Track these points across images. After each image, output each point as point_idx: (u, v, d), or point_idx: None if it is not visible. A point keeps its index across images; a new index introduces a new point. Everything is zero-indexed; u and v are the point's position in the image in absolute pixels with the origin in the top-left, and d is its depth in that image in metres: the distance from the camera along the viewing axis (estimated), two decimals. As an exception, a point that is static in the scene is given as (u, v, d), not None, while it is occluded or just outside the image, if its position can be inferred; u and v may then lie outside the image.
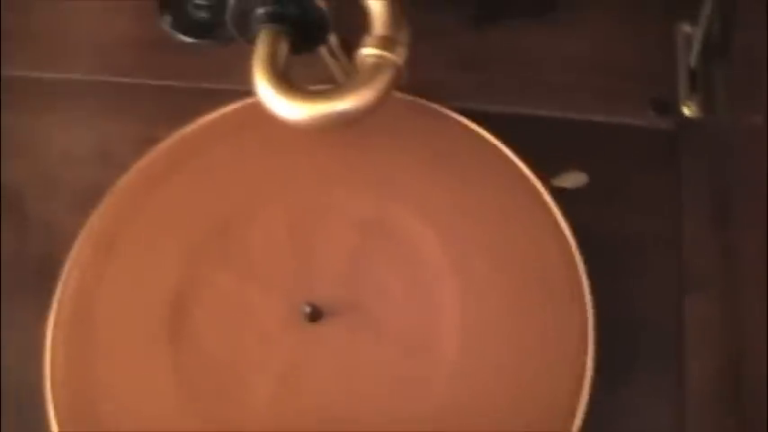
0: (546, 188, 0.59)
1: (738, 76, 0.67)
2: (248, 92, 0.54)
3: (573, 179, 0.61)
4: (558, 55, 0.68)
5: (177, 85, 0.68)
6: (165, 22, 0.71)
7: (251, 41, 0.56)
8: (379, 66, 0.53)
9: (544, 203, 0.58)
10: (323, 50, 0.64)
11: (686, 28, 0.69)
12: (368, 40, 0.54)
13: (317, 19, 0.56)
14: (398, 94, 0.60)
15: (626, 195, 0.63)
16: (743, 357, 0.58)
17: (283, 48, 0.55)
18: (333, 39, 0.59)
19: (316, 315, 0.55)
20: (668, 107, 0.66)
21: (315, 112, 0.53)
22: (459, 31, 0.69)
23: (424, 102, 0.62)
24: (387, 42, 0.53)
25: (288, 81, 0.53)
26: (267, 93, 0.53)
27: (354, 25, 0.56)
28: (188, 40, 0.71)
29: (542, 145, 0.62)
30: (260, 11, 0.56)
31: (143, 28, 0.71)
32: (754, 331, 0.55)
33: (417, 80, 0.58)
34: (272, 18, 0.55)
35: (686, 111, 0.66)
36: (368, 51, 0.53)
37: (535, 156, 0.60)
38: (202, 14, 0.71)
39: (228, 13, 0.57)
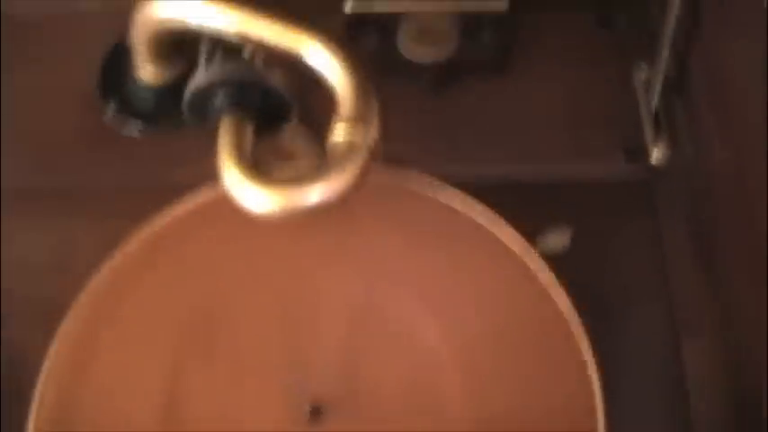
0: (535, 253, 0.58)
1: (700, 112, 0.67)
2: (209, 178, 0.52)
3: (557, 238, 0.60)
4: (522, 111, 0.67)
5: (131, 182, 0.66)
6: (110, 111, 0.69)
7: (210, 129, 0.54)
8: (350, 151, 0.50)
9: (533, 276, 0.57)
10: (286, 129, 0.62)
11: (644, 70, 0.68)
12: (336, 123, 0.51)
13: (279, 100, 0.54)
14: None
15: (608, 250, 0.62)
16: (748, 395, 0.57)
17: (248, 134, 0.53)
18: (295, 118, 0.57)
19: (316, 413, 0.53)
20: (637, 154, 0.65)
21: (287, 204, 0.50)
22: (417, 97, 0.68)
23: (400, 172, 0.61)
24: (356, 125, 0.51)
25: (257, 171, 0.51)
26: (235, 185, 0.50)
27: (317, 98, 0.55)
28: (136, 130, 0.68)
29: (518, 207, 0.60)
30: (220, 99, 0.53)
31: (87, 118, 0.66)
32: (756, 369, 0.54)
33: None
34: (234, 105, 0.53)
35: (655, 155, 0.65)
36: (337, 137, 0.51)
37: (512, 219, 0.58)
38: (150, 102, 0.67)
39: (186, 102, 0.55)
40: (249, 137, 0.53)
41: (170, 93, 0.69)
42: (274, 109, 0.54)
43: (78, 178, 0.66)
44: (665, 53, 0.64)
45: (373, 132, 0.51)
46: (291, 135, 0.65)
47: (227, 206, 0.52)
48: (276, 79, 0.54)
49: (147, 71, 0.67)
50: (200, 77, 0.54)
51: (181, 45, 0.69)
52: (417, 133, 0.65)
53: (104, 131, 0.66)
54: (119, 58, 0.69)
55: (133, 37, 0.66)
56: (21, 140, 0.67)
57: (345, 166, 0.50)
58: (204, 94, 0.53)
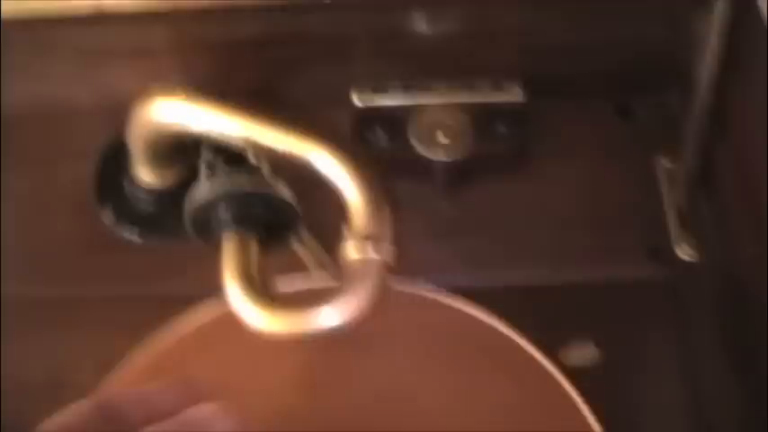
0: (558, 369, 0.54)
1: (728, 207, 0.64)
2: (211, 293, 0.49)
3: (583, 354, 0.56)
4: (538, 210, 0.64)
5: (129, 292, 0.62)
6: (106, 217, 0.66)
7: (213, 244, 0.50)
8: (364, 270, 0.47)
9: (556, 389, 0.53)
10: (293, 241, 0.59)
11: (666, 163, 0.66)
12: (348, 239, 0.47)
13: (285, 214, 0.51)
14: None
15: (633, 358, 0.58)
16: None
17: (253, 251, 0.49)
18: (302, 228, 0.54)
19: None
20: (662, 253, 0.62)
21: (297, 327, 0.46)
22: (431, 197, 0.64)
23: (413, 287, 0.57)
24: (370, 241, 0.47)
25: (264, 291, 0.47)
26: (242, 306, 0.47)
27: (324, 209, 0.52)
28: (134, 236, 0.65)
29: (537, 314, 0.57)
30: (223, 214, 0.50)
31: (82, 226, 0.64)
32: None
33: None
34: (239, 221, 0.50)
35: (681, 254, 0.62)
36: (350, 253, 0.47)
37: (534, 329, 0.55)
38: (148, 207, 0.64)
39: (187, 218, 0.51)
40: (255, 253, 0.49)
41: (170, 197, 0.67)
42: (281, 220, 0.51)
43: (74, 288, 0.63)
44: (690, 148, 0.62)
45: (389, 248, 0.48)
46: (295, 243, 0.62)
47: (232, 324, 0.48)
48: (283, 190, 0.50)
49: (145, 174, 0.66)
50: (201, 191, 0.50)
51: (182, 147, 0.66)
52: (429, 236, 0.62)
53: (100, 237, 0.64)
54: (115, 159, 0.66)
55: (130, 139, 0.64)
56: (15, 246, 0.64)
57: (359, 287, 0.46)
58: (206, 210, 0.50)
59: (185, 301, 0.58)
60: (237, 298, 0.47)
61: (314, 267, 0.61)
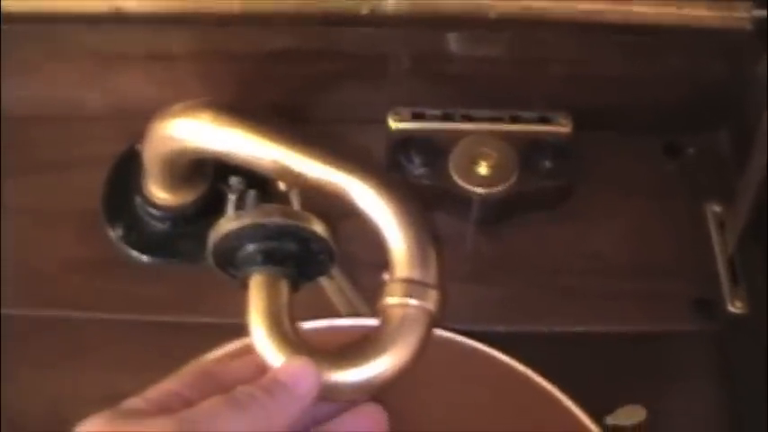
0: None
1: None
2: (229, 325, 0.43)
3: (630, 414, 0.52)
4: (582, 253, 0.59)
5: (139, 320, 0.56)
6: (116, 237, 0.60)
7: (238, 278, 0.46)
8: (407, 318, 0.42)
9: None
10: (323, 280, 0.54)
11: (716, 208, 0.62)
12: (390, 284, 0.43)
13: (319, 251, 0.46)
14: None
15: (682, 416, 0.54)
16: None
17: (284, 293, 0.44)
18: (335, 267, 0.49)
19: None
20: (712, 306, 0.58)
21: (331, 381, 0.42)
22: (468, 236, 0.60)
23: (452, 337, 0.52)
24: (414, 287, 0.42)
25: (295, 340, 0.43)
26: (271, 355, 0.42)
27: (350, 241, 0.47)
28: (144, 258, 0.60)
29: (580, 367, 0.54)
30: (251, 248, 0.45)
31: (90, 246, 0.59)
32: None
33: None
34: (269, 258, 0.45)
35: (731, 306, 0.58)
36: (392, 300, 0.42)
37: (574, 382, 0.50)
38: (161, 226, 0.60)
39: (210, 251, 0.46)
40: (285, 296, 0.44)
41: (185, 218, 0.61)
42: (313, 260, 0.46)
43: (79, 311, 0.57)
44: (744, 195, 0.57)
45: (433, 294, 0.43)
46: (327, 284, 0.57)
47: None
48: (317, 223, 0.46)
49: (159, 192, 0.60)
50: (228, 224, 0.45)
51: (201, 165, 0.61)
52: (464, 276, 0.58)
53: (108, 256, 0.60)
54: (127, 172, 0.62)
55: (145, 155, 0.59)
56: (16, 263, 0.58)
57: (401, 336, 0.41)
58: (232, 242, 0.45)
59: (200, 330, 0.53)
60: (266, 347, 0.43)
61: (343, 307, 0.57)
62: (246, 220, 0.45)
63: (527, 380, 0.51)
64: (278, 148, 0.49)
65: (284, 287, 0.44)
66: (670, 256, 0.60)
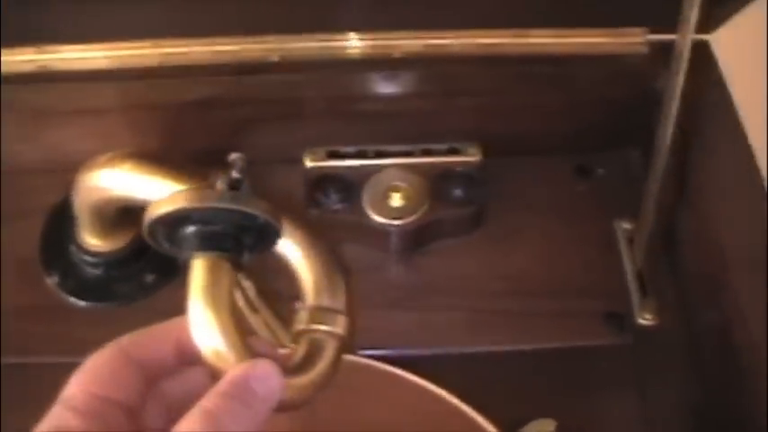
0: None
1: (688, 273, 0.63)
2: None
3: (540, 427, 0.54)
4: (497, 276, 0.62)
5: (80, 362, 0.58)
6: (53, 284, 0.63)
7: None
8: (316, 343, 0.44)
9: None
10: (240, 301, 0.56)
11: (626, 225, 0.64)
12: (301, 312, 0.45)
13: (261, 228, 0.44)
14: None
15: (595, 428, 0.56)
16: None
17: (225, 274, 0.43)
18: (250, 287, 0.51)
19: None
20: (622, 319, 0.60)
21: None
22: (386, 265, 0.63)
23: (365, 361, 0.55)
24: (323, 313, 0.45)
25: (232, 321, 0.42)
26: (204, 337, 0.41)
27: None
28: (82, 303, 0.62)
29: (496, 386, 0.56)
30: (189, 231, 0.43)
31: (29, 294, 0.62)
32: None
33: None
34: (207, 241, 0.43)
35: (641, 320, 0.60)
36: (303, 326, 0.44)
37: (491, 400, 0.53)
38: (95, 271, 0.63)
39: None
40: (226, 277, 0.43)
41: (117, 262, 0.64)
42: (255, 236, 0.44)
43: (21, 358, 0.59)
44: (650, 211, 0.60)
45: (342, 320, 0.45)
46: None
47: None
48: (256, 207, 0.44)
49: (91, 239, 0.63)
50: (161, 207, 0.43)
51: (129, 212, 0.64)
52: (384, 304, 0.60)
53: (49, 302, 0.62)
54: (61, 223, 0.65)
55: (75, 205, 0.62)
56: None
57: (311, 361, 0.44)
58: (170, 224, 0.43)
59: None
60: (200, 320, 0.41)
61: (264, 332, 0.60)
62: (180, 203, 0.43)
63: (439, 399, 0.54)
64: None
65: (225, 269, 0.43)
66: (582, 273, 0.62)
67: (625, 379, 0.59)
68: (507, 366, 0.59)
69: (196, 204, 0.42)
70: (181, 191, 0.43)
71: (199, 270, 0.42)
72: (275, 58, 0.60)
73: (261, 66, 0.61)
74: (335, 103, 0.63)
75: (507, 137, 0.65)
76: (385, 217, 0.61)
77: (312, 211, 0.62)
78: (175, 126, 0.63)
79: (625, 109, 0.65)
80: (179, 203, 0.42)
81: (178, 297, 0.40)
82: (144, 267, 0.62)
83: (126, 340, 0.41)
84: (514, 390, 0.57)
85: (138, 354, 0.40)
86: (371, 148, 0.63)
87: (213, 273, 0.42)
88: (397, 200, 0.61)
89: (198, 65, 0.61)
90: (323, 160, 0.63)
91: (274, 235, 0.45)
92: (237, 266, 0.44)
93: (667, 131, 0.56)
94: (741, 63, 0.64)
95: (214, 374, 0.39)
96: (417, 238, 0.62)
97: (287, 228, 0.49)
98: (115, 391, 0.38)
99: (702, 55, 0.63)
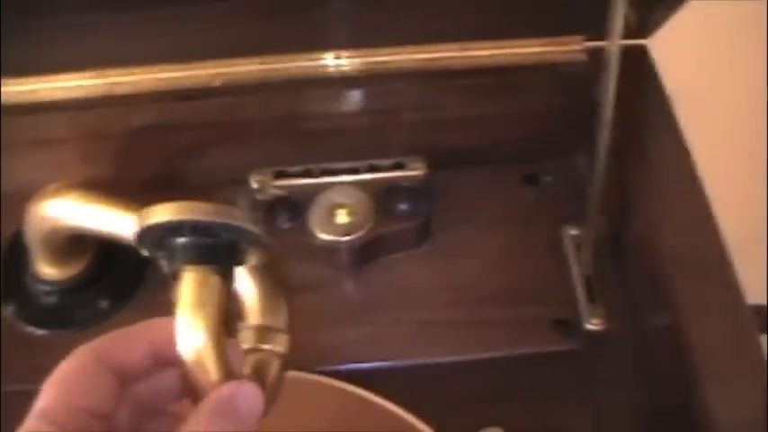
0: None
1: (634, 278, 0.63)
2: None
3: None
4: (447, 286, 0.62)
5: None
6: (10, 313, 0.64)
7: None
8: (259, 361, 0.44)
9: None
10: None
11: (573, 231, 0.65)
12: (244, 331, 0.45)
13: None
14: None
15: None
16: None
17: (214, 287, 0.42)
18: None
19: None
20: (570, 325, 0.61)
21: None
22: (336, 281, 0.63)
23: (310, 377, 0.56)
24: (264, 332, 0.45)
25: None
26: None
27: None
28: (40, 331, 0.63)
29: (447, 397, 0.57)
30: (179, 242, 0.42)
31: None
32: None
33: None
34: (197, 254, 0.42)
35: (589, 325, 0.61)
36: (246, 345, 0.44)
37: (442, 411, 0.53)
38: (51, 299, 0.64)
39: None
40: (216, 289, 0.42)
41: (72, 289, 0.65)
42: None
43: None
44: (593, 216, 0.61)
45: (283, 338, 0.46)
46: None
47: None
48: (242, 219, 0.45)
49: (45, 268, 0.64)
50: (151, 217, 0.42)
51: (80, 240, 0.65)
52: (335, 320, 0.61)
53: (7, 335, 0.63)
54: (17, 253, 0.66)
55: (28, 235, 0.63)
56: None
57: (260, 383, 0.45)
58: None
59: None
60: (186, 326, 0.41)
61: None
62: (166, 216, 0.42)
63: (383, 411, 0.55)
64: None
65: (215, 282, 0.42)
66: (531, 281, 0.63)
67: (575, 384, 0.59)
68: (458, 376, 0.60)
69: (194, 216, 0.41)
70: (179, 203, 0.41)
71: (189, 282, 0.42)
72: (217, 82, 0.62)
73: (205, 90, 0.62)
74: (280, 123, 0.64)
75: (453, 149, 0.65)
76: (332, 234, 0.62)
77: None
78: (125, 154, 0.64)
79: (569, 116, 0.66)
80: (176, 214, 0.41)
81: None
82: (98, 294, 0.63)
83: (98, 344, 0.40)
84: (462, 399, 0.58)
85: (111, 358, 0.40)
86: (317, 166, 0.64)
87: (204, 286, 0.42)
88: (343, 216, 0.62)
89: (143, 92, 0.62)
90: (270, 181, 0.64)
91: (265, 249, 0.44)
92: (227, 280, 0.43)
93: (604, 136, 0.57)
94: (679, 66, 0.65)
95: (195, 385, 0.40)
96: (365, 254, 0.63)
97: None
98: (89, 398, 0.38)
99: (640, 60, 0.64)
